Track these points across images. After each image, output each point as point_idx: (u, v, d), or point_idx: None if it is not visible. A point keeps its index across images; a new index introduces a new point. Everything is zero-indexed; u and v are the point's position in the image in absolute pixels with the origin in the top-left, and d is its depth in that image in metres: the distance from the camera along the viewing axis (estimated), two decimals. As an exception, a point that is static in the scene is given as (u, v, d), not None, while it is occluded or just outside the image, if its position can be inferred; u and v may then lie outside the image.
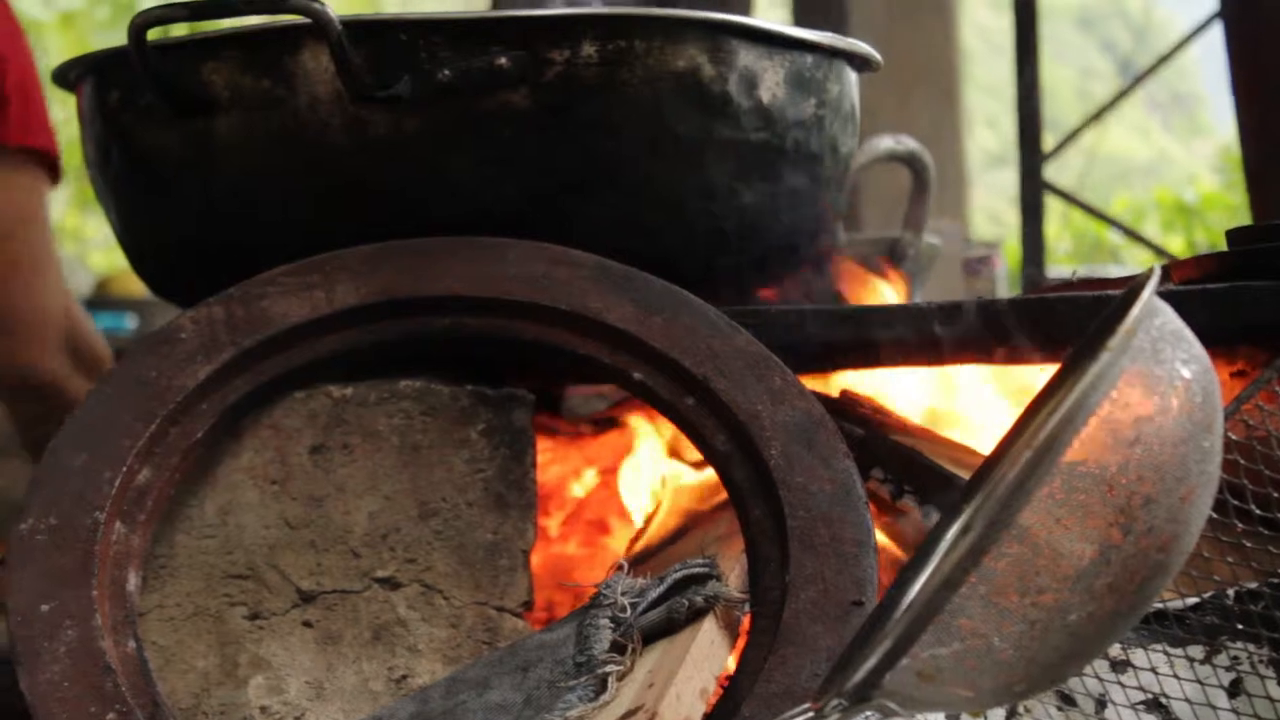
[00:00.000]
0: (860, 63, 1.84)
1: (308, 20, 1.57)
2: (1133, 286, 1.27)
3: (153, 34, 1.63)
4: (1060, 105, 21.31)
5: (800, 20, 6.13)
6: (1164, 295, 1.61)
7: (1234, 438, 1.40)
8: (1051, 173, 3.83)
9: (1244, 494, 1.39)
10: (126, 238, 1.83)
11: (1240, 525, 1.39)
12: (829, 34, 1.77)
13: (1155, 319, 1.19)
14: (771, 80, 1.71)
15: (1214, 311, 1.67)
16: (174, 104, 1.66)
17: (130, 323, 5.01)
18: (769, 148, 1.72)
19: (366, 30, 1.61)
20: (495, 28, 1.62)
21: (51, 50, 11.40)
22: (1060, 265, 8.65)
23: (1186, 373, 1.17)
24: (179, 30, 1.71)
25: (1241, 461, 1.39)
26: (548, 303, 1.59)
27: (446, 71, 1.61)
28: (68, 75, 1.81)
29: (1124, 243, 9.70)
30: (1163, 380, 1.16)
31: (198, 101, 1.66)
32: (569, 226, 1.65)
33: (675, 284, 1.62)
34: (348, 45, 1.58)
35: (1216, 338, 1.74)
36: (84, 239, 12.97)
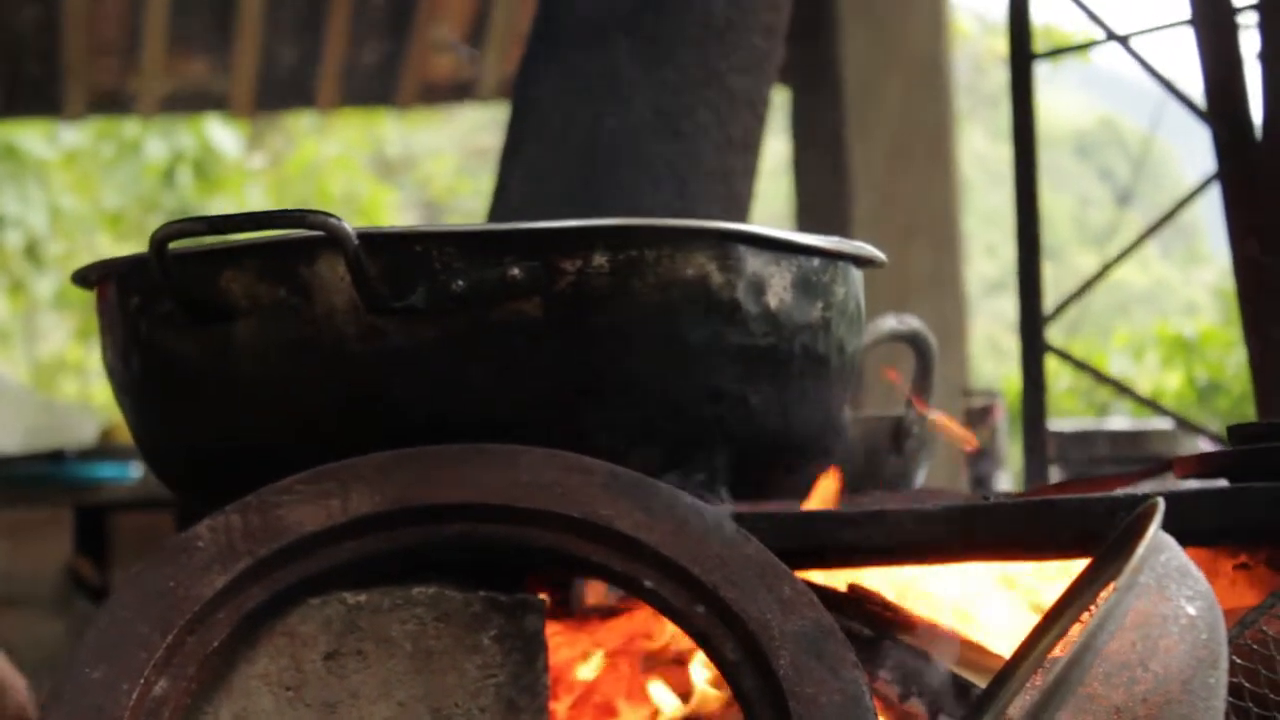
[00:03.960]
0: (865, 262, 1.88)
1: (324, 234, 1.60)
2: (1139, 515, 1.29)
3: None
4: (1058, 233, 21.42)
5: (801, 170, 6.18)
6: (1167, 497, 1.64)
7: (1238, 661, 1.42)
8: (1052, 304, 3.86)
9: (1248, 716, 1.40)
10: (145, 439, 1.85)
11: (1246, 747, 1.41)
12: (834, 239, 1.81)
13: (1160, 555, 1.21)
14: (779, 285, 1.74)
15: (1217, 513, 1.69)
16: (193, 312, 1.69)
17: (135, 472, 5.02)
18: (777, 352, 1.75)
19: (382, 242, 1.64)
20: (508, 239, 1.65)
21: (56, 187, 11.49)
22: (1061, 410, 8.69)
23: (1192, 610, 1.20)
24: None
25: (1246, 685, 1.41)
26: (559, 510, 1.62)
27: (460, 282, 1.64)
28: (88, 277, 1.84)
29: (1122, 378, 9.75)
30: (1169, 618, 1.19)
31: (216, 309, 1.69)
32: (580, 432, 1.68)
33: (685, 486, 1.64)
34: (363, 257, 1.62)
35: (1219, 536, 1.77)
36: (86, 370, 13.02)
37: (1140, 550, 1.19)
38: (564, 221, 1.67)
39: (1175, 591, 1.20)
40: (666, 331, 1.69)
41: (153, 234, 1.64)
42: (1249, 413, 3.40)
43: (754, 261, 1.72)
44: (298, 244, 1.66)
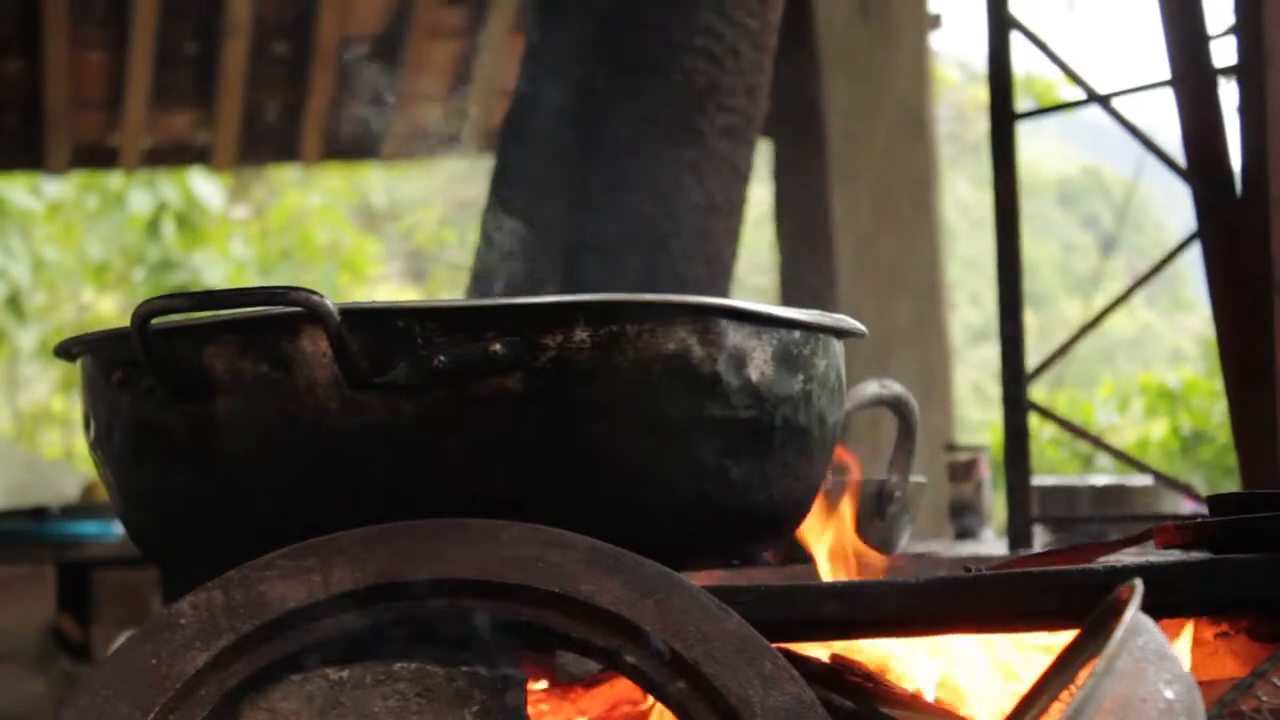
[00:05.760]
0: (846, 334, 1.88)
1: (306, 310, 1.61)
2: (1117, 598, 1.30)
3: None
4: (1041, 281, 21.46)
5: (784, 219, 6.19)
6: (1148, 569, 1.64)
7: (1219, 740, 1.42)
8: (1035, 346, 3.87)
9: (1229, 796, 1.41)
10: (127, 512, 1.85)
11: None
12: (815, 312, 1.81)
13: (1138, 639, 1.22)
14: (760, 359, 1.75)
15: (1197, 584, 1.70)
16: (175, 387, 1.69)
17: (118, 528, 5.01)
18: (758, 424, 1.75)
19: (364, 318, 1.64)
20: (490, 315, 1.66)
21: (40, 238, 11.48)
22: (1046, 460, 8.69)
23: (1170, 694, 1.20)
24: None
25: (1226, 764, 1.42)
26: (540, 585, 1.62)
27: (442, 357, 1.64)
28: (70, 350, 1.84)
29: (1107, 427, 9.77)
30: (1147, 701, 1.19)
31: (198, 384, 1.69)
32: (562, 506, 1.68)
33: (665, 557, 1.64)
34: (345, 333, 1.62)
35: (1200, 607, 1.78)
36: (70, 422, 12.99)
37: (1118, 634, 1.19)
38: (545, 298, 1.68)
39: (1154, 675, 1.20)
40: (648, 406, 1.69)
41: (135, 310, 1.65)
42: (1233, 462, 3.41)
43: (735, 335, 1.73)
44: (280, 320, 1.66)
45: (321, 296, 1.61)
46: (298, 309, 1.62)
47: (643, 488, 1.71)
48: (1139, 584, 1.26)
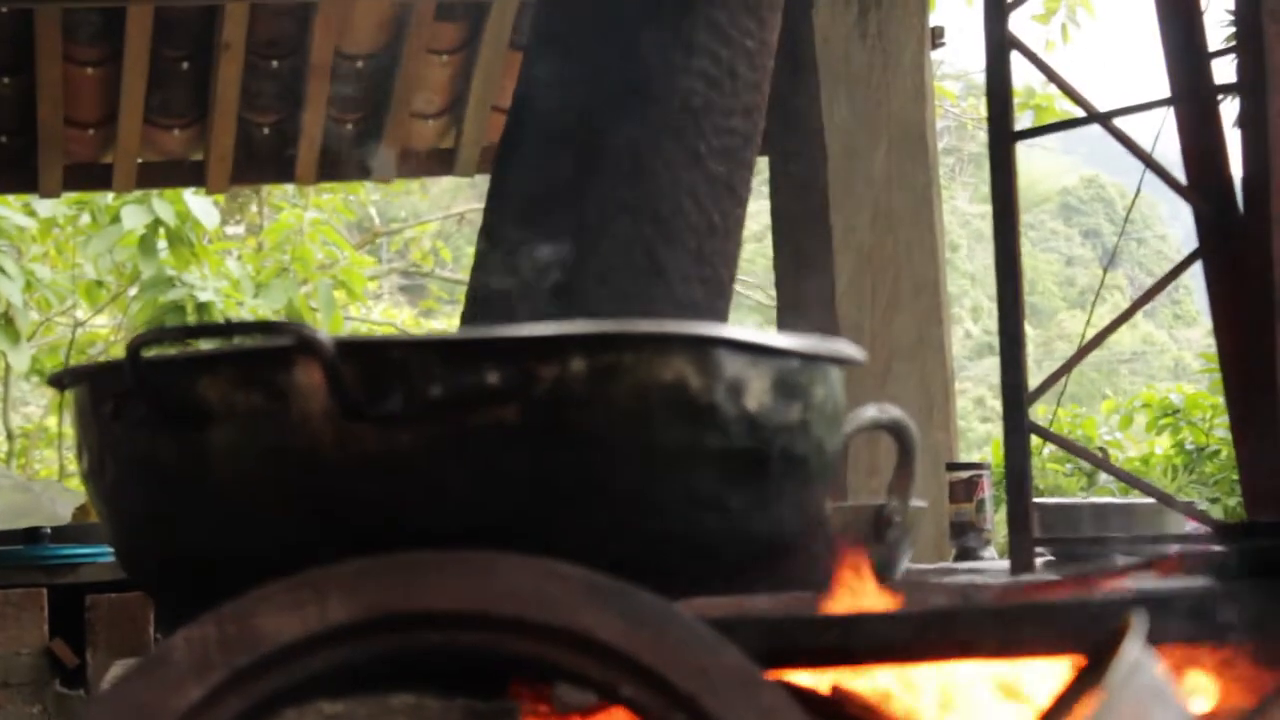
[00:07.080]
0: (844, 362, 1.87)
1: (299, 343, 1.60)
2: (1118, 630, 1.28)
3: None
4: (1043, 294, 21.47)
5: (783, 235, 6.17)
6: (1150, 598, 1.63)
7: (1223, 775, 1.41)
8: (1037, 359, 3.85)
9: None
10: (119, 543, 1.84)
11: None
12: (814, 340, 1.80)
13: (1139, 675, 1.20)
14: (758, 388, 1.73)
15: (1198, 613, 1.69)
16: (167, 417, 1.68)
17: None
18: (756, 454, 1.74)
19: (358, 349, 1.63)
20: (486, 346, 1.65)
21: (32, 256, 11.46)
22: (1048, 474, 8.69)
23: (1173, 731, 1.19)
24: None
25: (1230, 800, 1.40)
26: (537, 619, 1.60)
27: (438, 388, 1.63)
28: (61, 381, 1.83)
29: (1110, 443, 9.77)
30: (1150, 742, 1.17)
31: (191, 415, 1.68)
32: (558, 537, 1.67)
33: (663, 588, 1.63)
34: (340, 365, 1.61)
35: (1203, 634, 1.76)
36: (65, 441, 12.96)
37: (1118, 671, 1.18)
38: (541, 328, 1.67)
39: (1155, 713, 1.19)
40: (645, 436, 1.68)
41: (128, 342, 1.64)
42: (1235, 478, 3.40)
43: (732, 365, 1.72)
44: (274, 352, 1.65)
45: (314, 329, 1.60)
46: (291, 341, 1.61)
47: (640, 518, 1.70)
48: (1140, 616, 1.24)
